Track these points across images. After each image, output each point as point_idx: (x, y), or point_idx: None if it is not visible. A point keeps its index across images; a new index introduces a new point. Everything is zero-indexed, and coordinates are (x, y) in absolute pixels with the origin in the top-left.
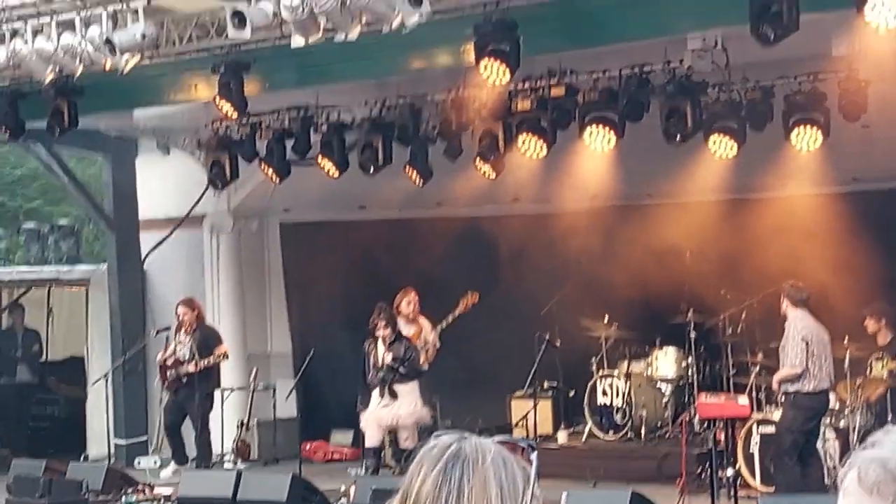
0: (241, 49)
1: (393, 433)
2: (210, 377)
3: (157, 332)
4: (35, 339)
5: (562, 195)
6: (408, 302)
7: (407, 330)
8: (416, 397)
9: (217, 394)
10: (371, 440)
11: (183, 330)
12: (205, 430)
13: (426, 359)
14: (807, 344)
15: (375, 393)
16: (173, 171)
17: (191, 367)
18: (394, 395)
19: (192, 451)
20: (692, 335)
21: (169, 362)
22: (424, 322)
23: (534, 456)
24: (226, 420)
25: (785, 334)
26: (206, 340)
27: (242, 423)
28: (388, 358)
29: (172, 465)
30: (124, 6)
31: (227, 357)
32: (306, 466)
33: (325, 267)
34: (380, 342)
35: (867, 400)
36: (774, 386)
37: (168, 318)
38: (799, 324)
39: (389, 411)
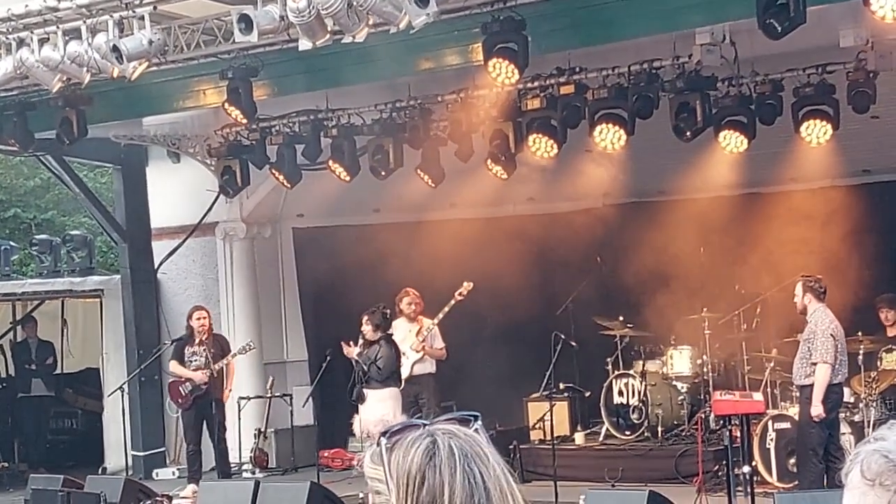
0: (249, 54)
1: None
2: (222, 384)
3: (173, 342)
4: (49, 351)
5: (574, 194)
6: (409, 303)
7: (408, 328)
8: (388, 407)
9: (233, 402)
10: None
11: (197, 340)
12: (224, 438)
13: (432, 354)
14: (834, 339)
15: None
16: (184, 178)
17: (216, 367)
18: (360, 399)
19: (207, 461)
20: (707, 332)
21: (183, 377)
22: (426, 321)
23: (478, 424)
24: (243, 429)
25: (810, 328)
26: (222, 347)
27: (260, 432)
28: (355, 353)
29: (192, 486)
30: (130, 13)
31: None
32: (324, 474)
33: (339, 272)
34: (360, 341)
35: (880, 393)
36: (818, 395)
37: (183, 327)
38: (825, 318)
39: (358, 420)
